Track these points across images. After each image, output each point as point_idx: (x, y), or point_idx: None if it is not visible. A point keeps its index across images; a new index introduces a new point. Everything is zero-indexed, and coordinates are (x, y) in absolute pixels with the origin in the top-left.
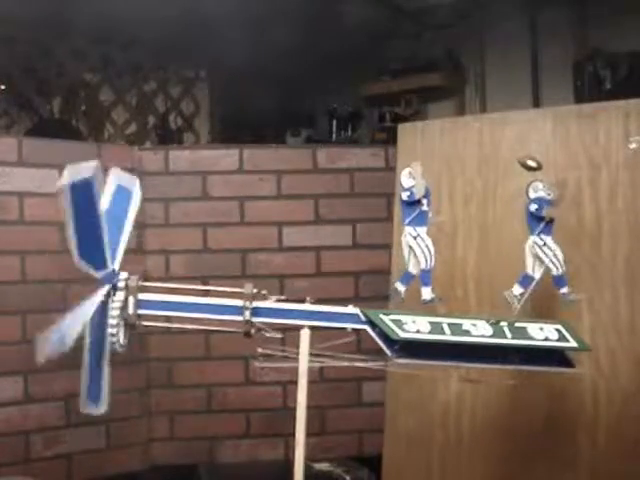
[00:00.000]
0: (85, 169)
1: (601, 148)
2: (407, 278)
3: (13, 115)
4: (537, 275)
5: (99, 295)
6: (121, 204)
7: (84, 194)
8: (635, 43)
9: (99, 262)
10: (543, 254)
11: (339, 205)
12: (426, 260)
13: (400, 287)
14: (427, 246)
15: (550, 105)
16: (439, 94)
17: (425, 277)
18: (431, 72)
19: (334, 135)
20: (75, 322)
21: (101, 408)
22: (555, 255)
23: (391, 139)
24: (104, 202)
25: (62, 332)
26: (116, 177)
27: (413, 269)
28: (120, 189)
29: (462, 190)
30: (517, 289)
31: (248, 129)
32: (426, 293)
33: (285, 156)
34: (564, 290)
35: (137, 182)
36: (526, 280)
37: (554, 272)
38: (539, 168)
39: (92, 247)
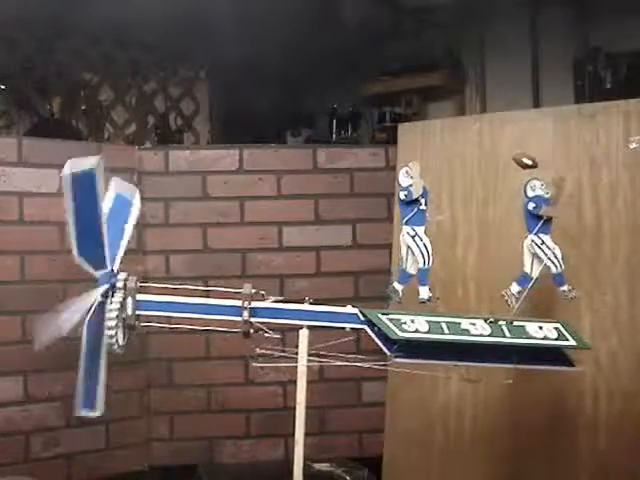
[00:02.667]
0: (87, 162)
1: (601, 148)
2: (405, 277)
3: (13, 115)
4: (535, 274)
5: (97, 292)
6: (121, 211)
7: (85, 186)
8: (635, 43)
9: (98, 261)
10: (542, 252)
11: (339, 205)
12: (424, 259)
13: (398, 286)
14: (425, 245)
15: (550, 105)
16: (439, 94)
17: (422, 276)
18: (431, 72)
19: (334, 135)
20: (74, 312)
21: (97, 411)
22: (554, 253)
23: (391, 139)
24: (104, 208)
25: (61, 319)
26: (116, 185)
27: (411, 269)
28: (120, 198)
29: (462, 190)
30: (515, 287)
31: (248, 129)
32: (423, 292)
33: (285, 156)
34: (564, 288)
35: (137, 192)
36: (524, 279)
37: (553, 270)
38: (535, 166)
39: (92, 244)
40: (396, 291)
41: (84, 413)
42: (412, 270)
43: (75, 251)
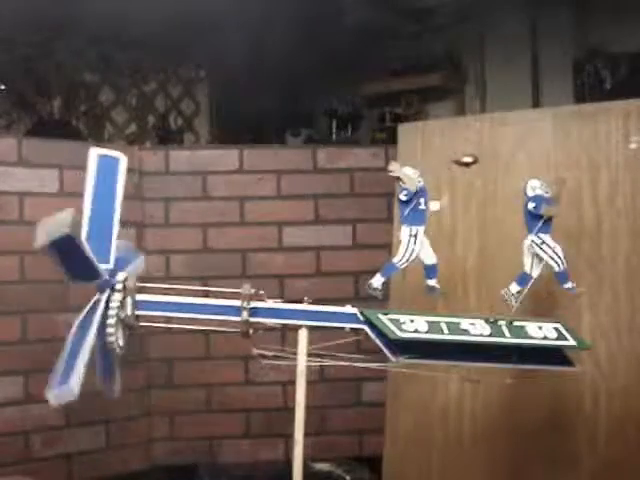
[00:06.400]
0: (61, 223)
1: (601, 148)
2: (390, 269)
3: (13, 115)
4: (535, 273)
5: (99, 308)
6: (107, 179)
7: (66, 246)
8: (635, 43)
9: (94, 276)
10: (542, 252)
11: (339, 205)
12: (429, 256)
13: (378, 280)
14: (428, 244)
15: (550, 105)
16: (439, 94)
17: (431, 271)
18: (431, 72)
19: (334, 135)
20: (79, 365)
21: (116, 391)
22: (555, 252)
23: (391, 139)
24: (89, 182)
25: (70, 385)
26: (97, 152)
27: (402, 264)
28: (104, 161)
29: (462, 190)
30: (514, 287)
31: (248, 129)
32: (432, 283)
33: (285, 156)
34: (567, 285)
35: (121, 154)
36: (524, 278)
37: (556, 269)
38: (475, 161)
39: (84, 272)
40: (375, 288)
41: (109, 395)
42: (403, 264)
43: (69, 280)
